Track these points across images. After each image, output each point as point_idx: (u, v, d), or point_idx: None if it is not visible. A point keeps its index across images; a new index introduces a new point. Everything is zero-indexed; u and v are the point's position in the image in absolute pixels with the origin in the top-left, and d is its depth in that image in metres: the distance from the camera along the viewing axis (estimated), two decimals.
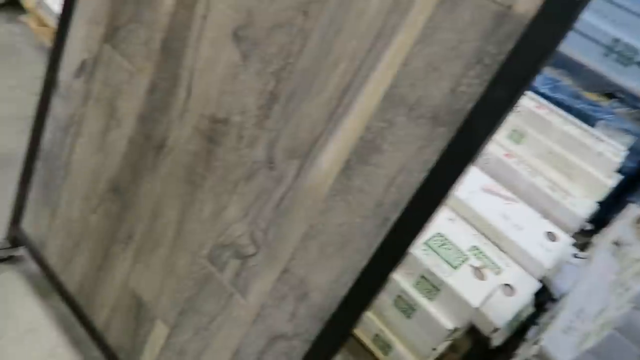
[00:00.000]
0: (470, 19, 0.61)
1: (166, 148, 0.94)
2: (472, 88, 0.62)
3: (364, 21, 0.69)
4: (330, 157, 0.75)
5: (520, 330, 1.39)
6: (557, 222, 1.61)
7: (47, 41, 2.23)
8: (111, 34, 1.00)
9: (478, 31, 0.61)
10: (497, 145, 1.75)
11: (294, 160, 0.79)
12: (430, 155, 0.67)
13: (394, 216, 0.70)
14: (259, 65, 0.80)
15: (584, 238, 1.83)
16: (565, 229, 1.60)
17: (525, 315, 1.41)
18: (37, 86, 2.07)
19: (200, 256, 0.94)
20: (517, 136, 1.80)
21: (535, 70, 0.58)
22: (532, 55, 0.57)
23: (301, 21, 0.74)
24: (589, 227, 1.81)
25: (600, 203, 1.77)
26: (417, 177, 0.68)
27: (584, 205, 1.69)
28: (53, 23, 2.11)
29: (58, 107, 1.13)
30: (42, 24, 2.26)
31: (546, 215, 1.61)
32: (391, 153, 0.70)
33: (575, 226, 1.71)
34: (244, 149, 0.84)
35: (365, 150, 0.72)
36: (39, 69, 2.15)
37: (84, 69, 1.06)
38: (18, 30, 2.33)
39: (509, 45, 0.59)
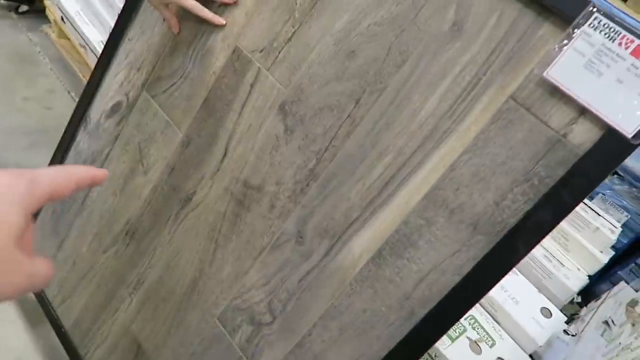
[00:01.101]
0: (523, 139, 0.63)
1: (193, 203, 0.94)
2: (517, 204, 0.64)
3: (416, 121, 0.70)
4: (363, 243, 0.76)
5: None
6: (548, 293, 1.63)
7: (66, 54, 2.24)
8: (152, 83, 1.01)
9: (530, 152, 0.63)
10: None
11: (325, 239, 0.79)
12: (465, 261, 0.68)
13: (421, 312, 0.71)
14: (301, 142, 0.81)
15: (571, 309, 1.86)
16: (556, 301, 1.62)
17: None
18: (51, 100, 2.07)
19: (212, 315, 0.93)
20: None
21: (582, 197, 0.60)
22: (581, 184, 0.59)
23: (352, 109, 0.76)
24: (577, 299, 1.84)
25: (590, 276, 1.81)
26: (449, 279, 0.69)
27: (577, 278, 1.73)
28: (75, 37, 2.12)
29: (84, 143, 1.12)
30: (63, 36, 2.27)
31: (539, 284, 1.63)
32: (426, 250, 0.71)
33: (566, 298, 1.73)
34: (274, 219, 0.84)
35: (400, 243, 0.73)
36: (55, 82, 2.16)
37: (117, 111, 1.06)
38: (38, 39, 2.34)
39: (560, 171, 0.61)
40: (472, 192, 0.67)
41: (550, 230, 0.61)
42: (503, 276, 0.65)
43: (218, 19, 0.89)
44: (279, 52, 0.83)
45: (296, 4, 0.82)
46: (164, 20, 0.96)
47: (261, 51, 0.86)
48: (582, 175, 0.59)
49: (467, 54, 0.67)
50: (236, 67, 0.88)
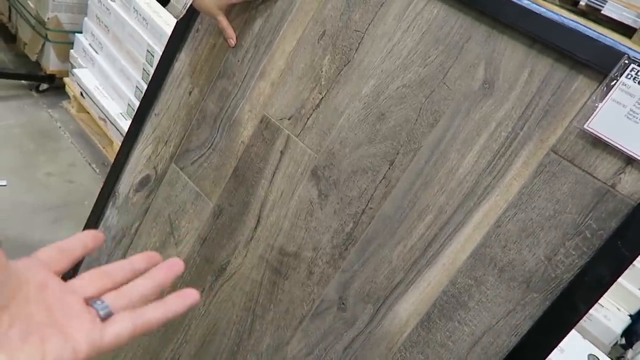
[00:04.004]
0: (569, 191, 0.62)
1: (227, 273, 0.93)
2: (570, 259, 0.62)
3: (455, 178, 0.70)
4: (410, 307, 0.73)
5: None
6: (592, 338, 1.57)
7: (86, 128, 2.29)
8: (181, 155, 1.02)
9: (578, 204, 0.61)
10: None
11: (369, 304, 0.77)
12: (522, 320, 0.65)
13: None
14: (337, 205, 0.80)
15: (616, 351, 1.77)
16: (601, 346, 1.55)
17: None
18: (72, 174, 2.10)
19: None
20: None
21: None
22: (637, 235, 0.57)
23: (387, 170, 0.76)
24: (621, 340, 1.76)
25: (631, 315, 1.74)
26: (505, 340, 0.66)
27: (618, 319, 1.66)
28: (95, 111, 2.18)
29: (113, 218, 1.13)
30: (82, 110, 2.34)
31: (581, 328, 1.57)
32: (478, 311, 0.68)
33: (610, 342, 1.66)
34: (314, 285, 0.83)
35: (448, 304, 0.70)
36: (76, 156, 2.20)
37: (146, 184, 1.07)
38: (58, 115, 2.41)
39: (612, 223, 0.59)
40: (521, 249, 0.65)
41: (610, 285, 0.59)
42: (564, 336, 0.62)
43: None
44: (308, 119, 0.84)
45: (322, 71, 0.83)
46: (220, 30, 0.93)
47: (289, 119, 0.87)
48: (637, 225, 0.57)
49: (501, 110, 0.67)
50: (265, 135, 0.89)
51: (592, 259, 0.60)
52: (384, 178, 0.76)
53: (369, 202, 0.77)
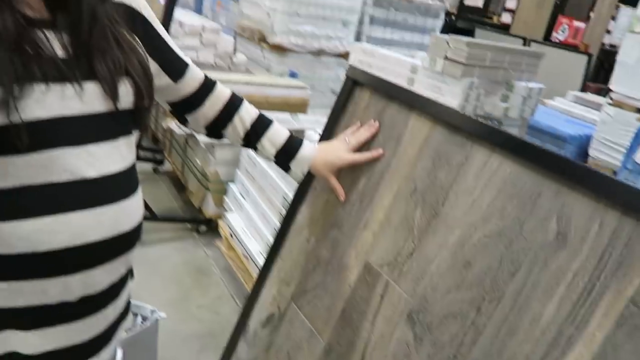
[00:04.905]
0: None
1: None
2: None
3: (538, 327, 0.72)
4: None
5: None
6: None
7: (233, 264, 2.61)
8: (298, 295, 1.16)
9: None
10: None
11: None
12: None
13: None
14: (430, 349, 0.85)
15: None
16: None
17: None
18: (218, 306, 2.37)
19: None
20: None
21: None
22: None
23: (474, 316, 0.80)
24: None
25: None
26: None
27: None
28: (240, 250, 2.49)
29: (242, 351, 1.28)
30: (231, 249, 2.68)
31: None
32: None
33: None
34: None
35: None
36: (223, 290, 2.49)
37: (271, 321, 1.22)
38: (211, 253, 2.78)
39: None
40: None
41: None
42: None
43: (378, 152, 1.03)
44: (404, 266, 0.94)
45: (414, 223, 0.94)
46: (331, 188, 1.10)
47: (388, 265, 0.97)
48: None
49: (576, 261, 0.70)
50: (368, 280, 1.00)
51: None
52: (472, 324, 0.81)
53: (459, 347, 0.81)
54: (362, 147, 1.07)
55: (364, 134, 1.06)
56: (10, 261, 0.69)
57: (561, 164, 0.74)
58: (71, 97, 0.69)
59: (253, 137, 1.04)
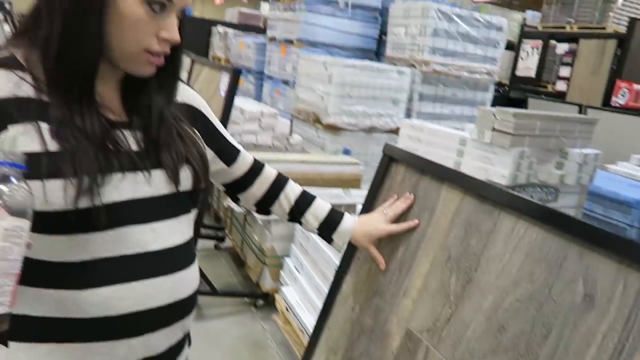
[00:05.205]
0: None
1: None
2: None
3: None
4: None
5: None
6: None
7: (289, 338, 2.63)
8: None
9: None
10: None
11: None
12: None
13: None
14: None
15: None
16: None
17: None
18: None
19: None
20: None
21: None
22: None
23: None
24: None
25: None
26: None
27: None
28: (296, 323, 2.53)
29: None
30: (287, 322, 2.72)
31: None
32: None
33: None
34: None
35: None
36: None
37: None
38: (268, 327, 2.83)
39: None
40: None
41: None
42: None
43: (414, 222, 1.08)
44: (442, 331, 0.97)
45: (450, 289, 0.98)
46: (372, 258, 1.15)
47: (428, 331, 1.00)
48: None
49: (604, 322, 0.72)
50: (409, 346, 1.03)
51: None
52: None
53: None
54: (399, 218, 1.13)
55: (400, 205, 1.13)
56: (83, 325, 0.79)
57: (582, 228, 0.77)
58: (142, 182, 0.82)
59: (297, 212, 1.14)
